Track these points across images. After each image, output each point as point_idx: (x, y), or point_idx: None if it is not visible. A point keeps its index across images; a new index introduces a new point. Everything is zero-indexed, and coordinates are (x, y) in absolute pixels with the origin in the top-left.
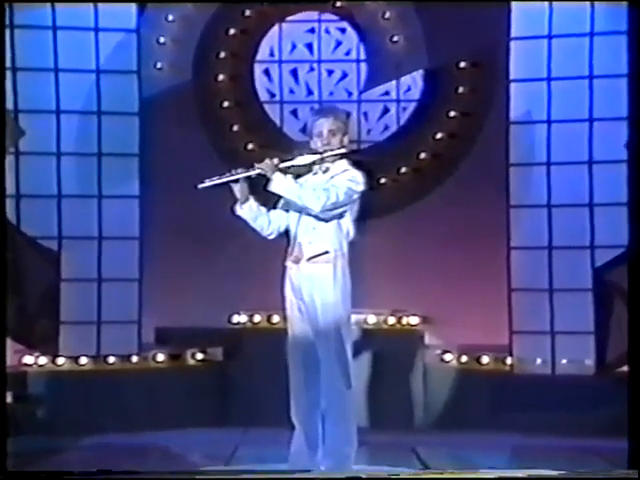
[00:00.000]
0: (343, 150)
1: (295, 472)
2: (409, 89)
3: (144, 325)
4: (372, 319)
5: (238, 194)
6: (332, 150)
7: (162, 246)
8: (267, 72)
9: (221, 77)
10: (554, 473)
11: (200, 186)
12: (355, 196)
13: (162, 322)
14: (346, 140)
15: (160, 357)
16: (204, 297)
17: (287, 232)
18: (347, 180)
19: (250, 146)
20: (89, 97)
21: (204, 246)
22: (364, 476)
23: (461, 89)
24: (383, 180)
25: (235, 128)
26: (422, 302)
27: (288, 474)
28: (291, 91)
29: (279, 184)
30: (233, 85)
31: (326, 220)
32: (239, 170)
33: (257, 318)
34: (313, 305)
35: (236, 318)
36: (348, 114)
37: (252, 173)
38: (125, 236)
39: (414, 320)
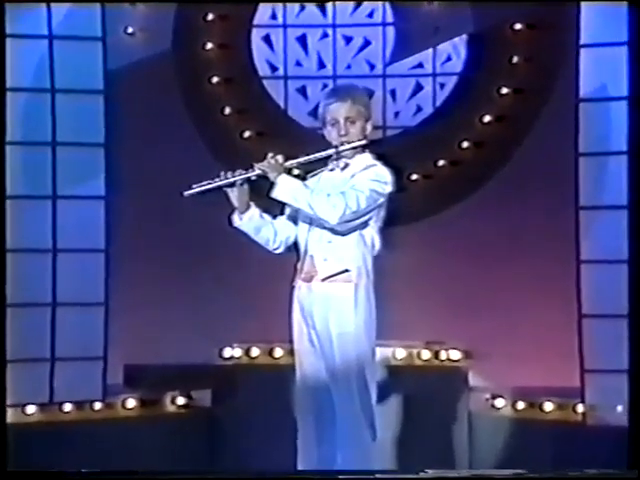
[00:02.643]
0: (365, 142)
1: (297, 472)
2: (449, 59)
3: (111, 362)
4: (402, 353)
5: (236, 202)
6: (351, 142)
7: (134, 261)
8: (268, 39)
9: (209, 45)
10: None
11: (187, 193)
12: (381, 200)
13: (133, 358)
14: (369, 128)
15: (131, 403)
16: (188, 326)
17: (296, 243)
18: (371, 180)
19: (247, 133)
20: (40, 70)
21: (188, 261)
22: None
23: (515, 59)
24: (415, 176)
25: (227, 111)
26: (465, 332)
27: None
28: (298, 64)
29: (285, 190)
30: (224, 55)
31: (344, 234)
32: (235, 172)
33: (255, 352)
34: (328, 335)
35: (228, 352)
36: (370, 94)
37: (251, 175)
38: (87, 248)
39: (455, 355)
